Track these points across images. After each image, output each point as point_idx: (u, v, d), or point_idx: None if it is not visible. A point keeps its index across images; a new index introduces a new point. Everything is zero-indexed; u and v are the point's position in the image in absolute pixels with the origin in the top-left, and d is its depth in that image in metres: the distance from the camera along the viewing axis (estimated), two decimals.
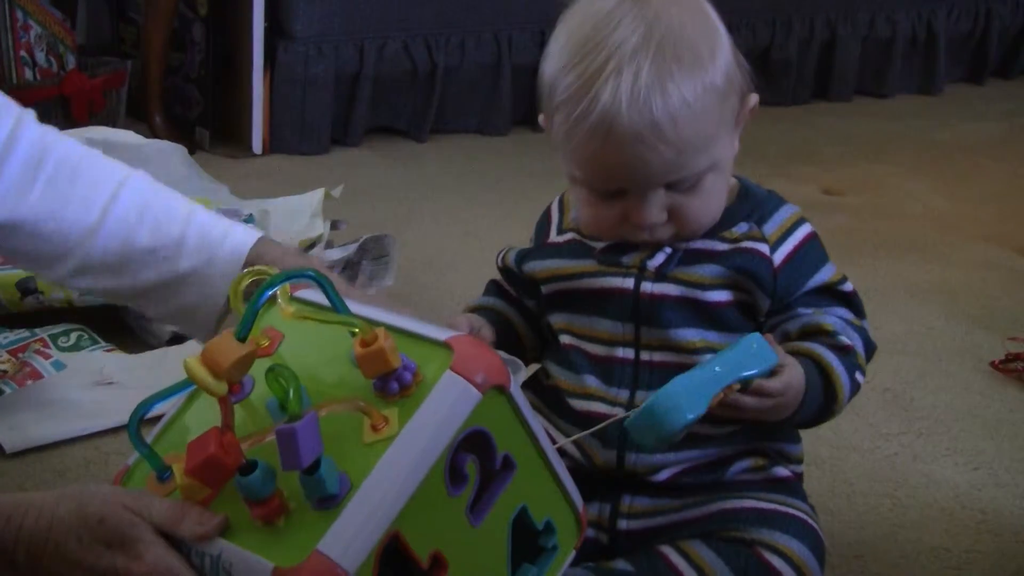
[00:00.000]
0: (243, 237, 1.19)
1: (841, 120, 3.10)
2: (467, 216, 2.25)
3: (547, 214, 1.22)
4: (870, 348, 1.15)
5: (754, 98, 1.11)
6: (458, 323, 1.16)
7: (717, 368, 1.02)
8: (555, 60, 1.07)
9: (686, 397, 1.00)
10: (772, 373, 1.04)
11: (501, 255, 1.23)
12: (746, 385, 1.02)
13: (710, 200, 1.09)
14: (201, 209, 1.22)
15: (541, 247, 1.20)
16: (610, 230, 1.12)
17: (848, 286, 1.15)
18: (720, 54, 1.06)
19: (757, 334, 1.04)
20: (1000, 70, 3.51)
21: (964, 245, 2.23)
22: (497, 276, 1.26)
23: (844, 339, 1.11)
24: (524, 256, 1.20)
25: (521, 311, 1.23)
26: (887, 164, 2.73)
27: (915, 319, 1.86)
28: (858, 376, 1.12)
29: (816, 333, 1.12)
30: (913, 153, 2.83)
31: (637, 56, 1.02)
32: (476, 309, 1.23)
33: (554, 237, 1.20)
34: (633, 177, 1.06)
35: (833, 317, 1.13)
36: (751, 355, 1.04)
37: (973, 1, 3.37)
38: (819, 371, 1.09)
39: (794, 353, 1.10)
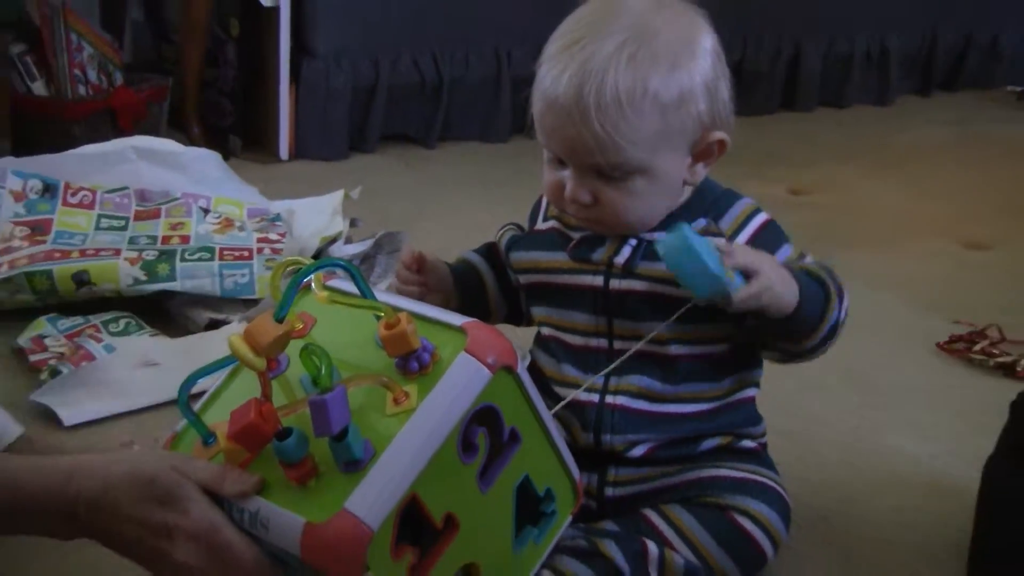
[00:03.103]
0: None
1: (806, 127, 3.10)
2: (472, 214, 2.25)
3: (539, 202, 1.22)
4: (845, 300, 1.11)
5: (718, 135, 1.08)
6: (403, 254, 1.17)
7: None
8: (549, 45, 1.08)
9: (685, 230, 0.98)
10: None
11: (500, 232, 1.23)
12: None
13: (635, 201, 1.08)
14: None
15: (528, 235, 1.20)
16: (554, 198, 1.12)
17: (808, 260, 1.13)
18: (681, 75, 1.04)
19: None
20: (945, 84, 3.50)
21: (916, 239, 2.23)
22: None
23: (823, 274, 1.09)
24: (512, 244, 1.20)
25: (498, 275, 1.23)
26: (847, 167, 2.73)
27: (873, 305, 1.87)
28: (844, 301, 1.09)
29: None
30: (870, 157, 2.83)
31: (605, 44, 1.03)
32: (458, 261, 1.24)
33: (540, 224, 1.20)
34: (564, 148, 1.07)
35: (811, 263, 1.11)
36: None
37: (920, 23, 3.37)
38: (797, 269, 1.07)
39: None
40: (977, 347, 1.69)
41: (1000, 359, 1.66)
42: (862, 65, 3.30)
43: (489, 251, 1.26)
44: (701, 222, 1.11)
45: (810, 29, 3.19)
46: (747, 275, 1.01)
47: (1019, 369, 1.64)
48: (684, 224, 1.01)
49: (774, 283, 1.02)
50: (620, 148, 1.04)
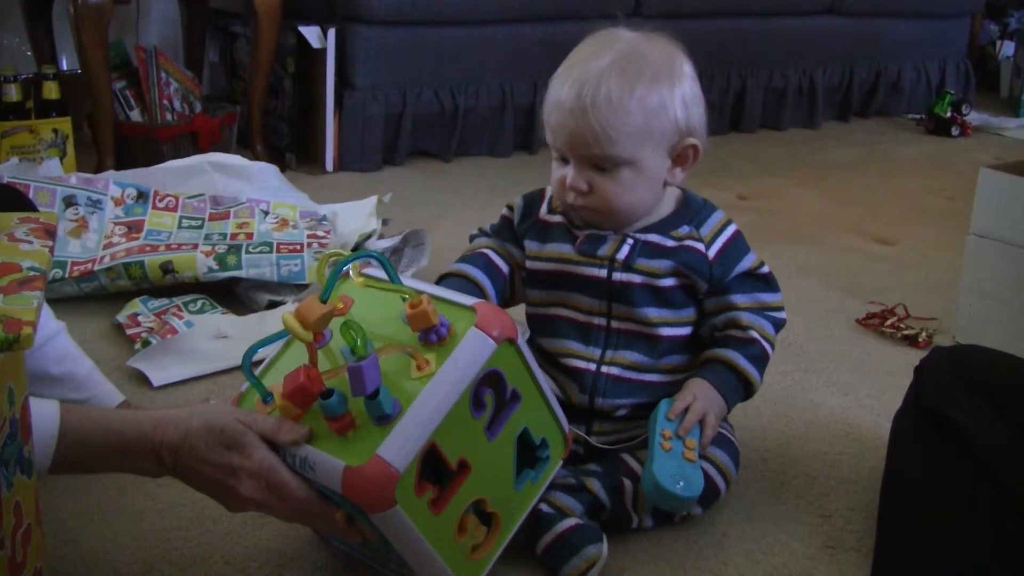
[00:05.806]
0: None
1: (749, 146, 3.08)
2: (481, 215, 2.22)
3: (542, 191, 1.17)
4: (779, 325, 1.13)
5: (692, 140, 1.07)
6: None
7: (650, 437, 1.03)
8: (559, 68, 1.07)
9: (656, 476, 0.98)
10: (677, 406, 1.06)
11: (506, 211, 1.19)
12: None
13: (624, 190, 1.06)
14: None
15: (539, 224, 1.14)
16: (558, 189, 1.09)
17: (765, 269, 1.13)
18: (664, 87, 1.03)
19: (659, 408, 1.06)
20: (860, 111, 3.49)
21: (836, 236, 2.21)
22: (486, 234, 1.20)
23: (752, 332, 1.10)
24: (526, 232, 1.15)
25: (491, 277, 1.14)
26: (782, 177, 2.71)
27: (802, 289, 1.86)
28: (767, 349, 1.11)
29: (733, 327, 1.10)
30: (800, 170, 2.81)
31: (601, 61, 1.03)
32: (457, 274, 1.14)
33: (544, 214, 1.15)
34: (566, 142, 1.05)
35: (749, 314, 1.10)
36: (658, 415, 1.05)
37: (840, 63, 3.35)
38: (730, 370, 1.09)
39: (711, 360, 1.10)
40: (888, 322, 1.68)
41: (906, 332, 1.64)
42: (795, 96, 3.28)
43: (485, 261, 1.16)
44: (686, 228, 1.10)
45: (753, 68, 3.17)
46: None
47: (921, 340, 1.62)
48: (656, 474, 0.99)
49: (715, 419, 1.07)
50: (611, 140, 1.02)
